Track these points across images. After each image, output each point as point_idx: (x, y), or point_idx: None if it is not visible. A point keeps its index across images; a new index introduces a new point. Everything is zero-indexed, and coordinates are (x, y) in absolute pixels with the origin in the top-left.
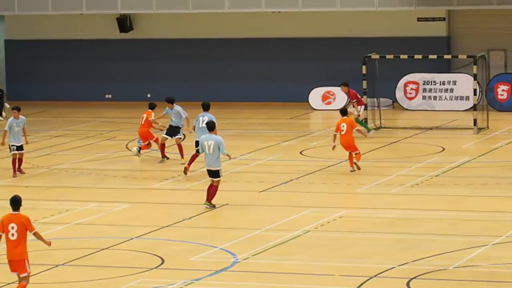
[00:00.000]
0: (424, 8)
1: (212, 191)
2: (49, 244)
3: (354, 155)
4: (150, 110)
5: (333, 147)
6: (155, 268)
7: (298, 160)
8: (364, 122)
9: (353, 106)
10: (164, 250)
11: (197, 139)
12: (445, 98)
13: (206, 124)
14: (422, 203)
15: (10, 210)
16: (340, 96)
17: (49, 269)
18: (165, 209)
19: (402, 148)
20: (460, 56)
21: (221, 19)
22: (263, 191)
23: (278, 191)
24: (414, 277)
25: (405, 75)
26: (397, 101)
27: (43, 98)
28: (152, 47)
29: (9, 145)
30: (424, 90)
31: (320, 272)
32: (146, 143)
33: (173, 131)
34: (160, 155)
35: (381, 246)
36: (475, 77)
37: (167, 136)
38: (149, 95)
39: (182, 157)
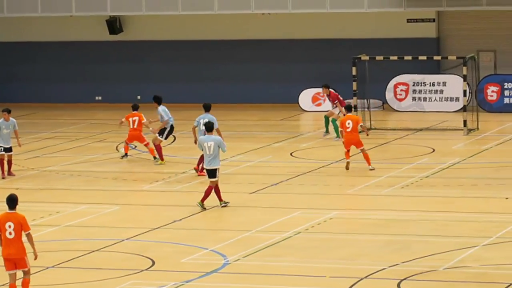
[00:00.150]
0: (413, 9)
1: (208, 192)
2: (35, 257)
3: (362, 153)
4: (136, 112)
5: (343, 142)
6: (146, 270)
7: (289, 161)
8: (337, 125)
9: (336, 106)
10: (154, 252)
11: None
12: (435, 99)
13: (205, 125)
14: (412, 204)
15: (6, 210)
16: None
17: (40, 271)
18: (155, 211)
19: (392, 149)
20: (450, 57)
21: (211, 21)
22: (254, 192)
23: (268, 192)
24: (405, 278)
25: (395, 76)
26: (387, 103)
27: (32, 100)
28: (142, 49)
29: None
30: (414, 91)
31: (311, 274)
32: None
33: (160, 131)
34: (157, 157)
35: (372, 247)
36: (465, 78)
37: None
38: (139, 97)
39: (159, 158)
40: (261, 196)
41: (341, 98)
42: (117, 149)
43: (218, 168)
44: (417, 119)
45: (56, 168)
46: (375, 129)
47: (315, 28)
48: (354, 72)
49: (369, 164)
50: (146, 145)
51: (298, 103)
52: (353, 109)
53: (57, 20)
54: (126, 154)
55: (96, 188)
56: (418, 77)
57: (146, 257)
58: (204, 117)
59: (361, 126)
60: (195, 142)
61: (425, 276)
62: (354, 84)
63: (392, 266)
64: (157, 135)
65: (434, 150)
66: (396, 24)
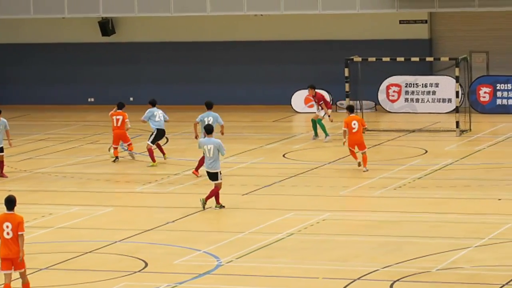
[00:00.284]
0: (406, 11)
1: (213, 192)
2: (21, 257)
3: (361, 155)
4: (121, 111)
5: (344, 143)
6: (138, 271)
7: (281, 163)
8: (323, 125)
9: (321, 108)
10: (147, 254)
11: None
12: (428, 100)
13: (204, 127)
14: (405, 206)
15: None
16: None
17: (32, 273)
18: (148, 213)
19: (384, 150)
20: (442, 59)
21: (203, 22)
22: (246, 194)
23: (261, 194)
24: (398, 280)
25: (387, 77)
26: (379, 104)
27: (25, 102)
28: (134, 51)
29: None
30: (407, 92)
31: (303, 275)
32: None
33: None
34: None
35: (365, 248)
36: (457, 79)
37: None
38: (131, 99)
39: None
40: (254, 198)
41: (328, 100)
42: (109, 150)
43: (220, 171)
44: (409, 120)
45: (48, 170)
46: (367, 130)
47: (308, 30)
48: (346, 73)
49: (365, 165)
50: (129, 145)
51: (290, 104)
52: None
53: (50, 21)
54: (117, 157)
55: (88, 190)
56: (410, 78)
57: (139, 258)
58: (207, 115)
59: (365, 129)
60: (196, 137)
61: (418, 277)
62: (347, 85)
63: (385, 267)
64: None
65: (426, 151)
66: (389, 25)
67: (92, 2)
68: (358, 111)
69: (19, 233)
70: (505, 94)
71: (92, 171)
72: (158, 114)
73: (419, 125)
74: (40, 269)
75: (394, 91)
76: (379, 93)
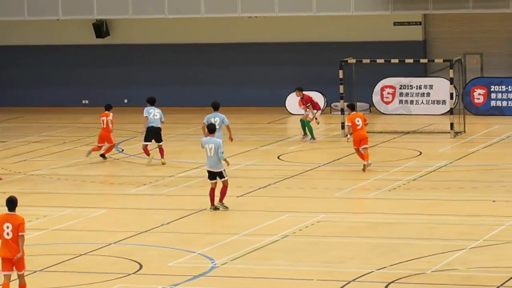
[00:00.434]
0: (400, 13)
1: (222, 190)
2: (19, 256)
3: (362, 150)
4: (107, 112)
5: (348, 139)
6: (133, 273)
7: (276, 164)
8: (310, 127)
9: (308, 109)
10: (142, 256)
11: None
12: (422, 102)
13: (207, 126)
14: (399, 207)
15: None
16: (317, 101)
17: (27, 275)
18: (143, 215)
19: (379, 152)
20: (436, 60)
21: (197, 24)
22: (241, 196)
23: (256, 196)
24: (392, 281)
25: (381, 79)
26: (374, 106)
27: (19, 104)
28: (128, 53)
29: None
30: (401, 94)
31: (298, 277)
32: (103, 145)
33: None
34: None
35: (359, 250)
36: (451, 81)
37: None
38: (126, 101)
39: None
40: (249, 200)
41: (316, 101)
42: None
43: (224, 170)
44: (404, 122)
45: (43, 172)
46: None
47: (302, 31)
48: (341, 75)
49: (367, 160)
50: (111, 146)
51: (285, 106)
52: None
53: (44, 23)
54: (103, 155)
55: (83, 192)
56: (405, 80)
57: (134, 260)
58: (214, 116)
59: (366, 124)
60: None
61: (413, 279)
62: (341, 87)
63: (380, 269)
64: None
65: (421, 153)
66: (383, 27)
67: (87, 4)
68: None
69: (20, 233)
70: (499, 95)
71: (87, 173)
72: (154, 112)
73: (413, 126)
74: (35, 271)
75: (388, 93)
76: (373, 95)
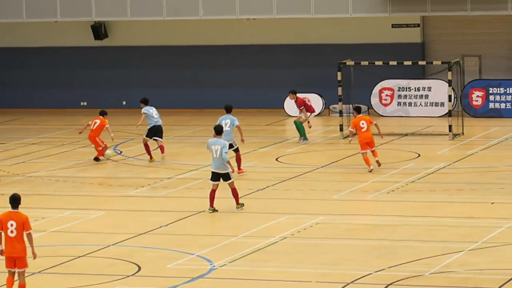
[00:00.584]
0: (398, 15)
1: (233, 193)
2: (34, 256)
3: (371, 152)
4: (101, 116)
5: (350, 141)
6: (132, 275)
7: (274, 166)
8: (303, 128)
9: (301, 112)
10: (140, 257)
11: None
12: (420, 104)
13: (214, 128)
14: (398, 209)
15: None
16: (315, 103)
17: (26, 277)
18: (141, 216)
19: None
20: (434, 62)
21: (196, 26)
22: (240, 197)
23: (254, 198)
24: (391, 283)
25: (380, 81)
26: (372, 108)
27: (17, 106)
28: (127, 55)
29: None
30: (399, 96)
31: (297, 279)
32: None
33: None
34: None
35: (358, 252)
36: (450, 83)
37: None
38: (124, 103)
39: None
40: (247, 202)
41: (309, 104)
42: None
43: (230, 171)
44: (402, 124)
45: (41, 174)
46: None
47: (300, 33)
48: (339, 77)
49: (376, 156)
50: (100, 148)
51: (283, 108)
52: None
53: (42, 25)
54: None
55: (81, 194)
56: (403, 82)
57: (132, 262)
58: (225, 118)
59: (375, 125)
60: None
61: (411, 281)
62: (339, 89)
63: (378, 271)
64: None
65: (419, 155)
66: (381, 29)
67: (85, 6)
68: (351, 115)
69: (27, 232)
70: (497, 98)
71: (85, 175)
72: (153, 112)
73: (412, 129)
74: (33, 273)
75: (386, 95)
76: (371, 97)
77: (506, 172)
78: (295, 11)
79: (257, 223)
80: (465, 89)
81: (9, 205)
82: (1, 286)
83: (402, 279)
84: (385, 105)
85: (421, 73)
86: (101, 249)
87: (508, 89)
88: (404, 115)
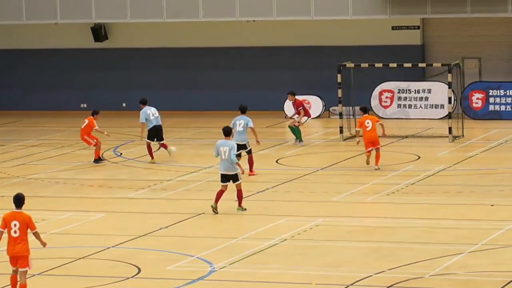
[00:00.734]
0: (398, 17)
1: (238, 195)
2: (44, 245)
3: (375, 152)
4: (91, 116)
5: (358, 142)
6: (132, 277)
7: (274, 168)
8: (299, 131)
9: (300, 113)
10: (140, 259)
11: (235, 143)
12: (420, 106)
13: (223, 129)
14: (398, 211)
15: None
16: (315, 105)
17: (26, 278)
18: (141, 218)
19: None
20: (434, 65)
21: (196, 28)
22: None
23: (254, 199)
24: (391, 286)
25: (380, 83)
26: (372, 110)
27: (17, 107)
28: (126, 56)
29: None
30: (399, 98)
31: (297, 281)
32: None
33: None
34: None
35: (358, 254)
36: (449, 85)
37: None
38: (124, 104)
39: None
40: (247, 203)
41: (307, 108)
42: (102, 156)
43: (238, 172)
44: (402, 126)
45: (41, 176)
46: (360, 136)
47: (300, 35)
48: (339, 79)
49: (377, 164)
50: (95, 148)
51: (283, 110)
52: (368, 111)
53: (42, 27)
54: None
55: (81, 196)
56: (403, 84)
57: (132, 264)
58: (240, 119)
59: (381, 124)
60: None
61: (411, 283)
62: (339, 91)
63: (378, 273)
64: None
65: (419, 157)
66: (381, 31)
67: (85, 8)
68: (351, 116)
69: (33, 231)
70: (497, 100)
71: (85, 176)
72: (151, 112)
73: (411, 131)
74: (33, 275)
75: (386, 97)
76: (371, 99)
77: (506, 174)
78: (295, 13)
79: (257, 225)
80: (465, 91)
81: (9, 207)
82: (4, 286)
83: (402, 281)
84: (385, 107)
85: (421, 75)
86: (101, 251)
87: (508, 91)
88: (404, 117)
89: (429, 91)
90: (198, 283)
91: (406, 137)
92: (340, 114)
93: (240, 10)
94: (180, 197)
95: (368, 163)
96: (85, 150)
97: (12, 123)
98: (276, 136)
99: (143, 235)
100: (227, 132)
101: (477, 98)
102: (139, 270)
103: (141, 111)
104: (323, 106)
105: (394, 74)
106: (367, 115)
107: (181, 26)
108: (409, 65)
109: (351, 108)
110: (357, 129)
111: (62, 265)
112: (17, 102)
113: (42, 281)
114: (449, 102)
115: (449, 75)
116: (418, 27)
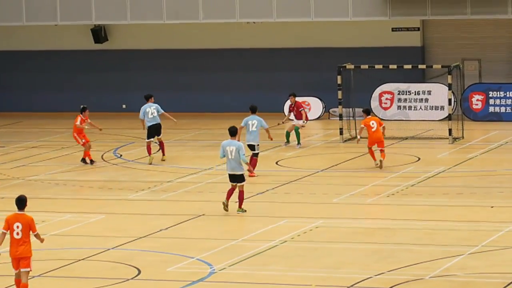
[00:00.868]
0: (398, 18)
1: (240, 196)
2: (42, 240)
3: (379, 151)
4: (81, 113)
5: (358, 141)
6: (132, 279)
7: (274, 170)
8: (298, 132)
9: (295, 115)
10: (140, 261)
11: (247, 143)
12: (420, 108)
13: (228, 129)
14: (397, 213)
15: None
16: (315, 107)
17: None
18: (141, 220)
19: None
20: (434, 66)
21: (196, 29)
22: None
23: (254, 201)
24: (391, 287)
25: (380, 85)
26: (372, 111)
27: (18, 109)
28: (127, 58)
29: None
30: (399, 100)
31: (296, 282)
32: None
33: None
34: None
35: (358, 256)
36: (449, 87)
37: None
38: (124, 106)
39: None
40: (247, 205)
41: (306, 112)
42: (88, 160)
43: (244, 173)
44: (402, 127)
45: (41, 177)
46: (360, 137)
47: (300, 37)
48: (339, 81)
49: (375, 159)
50: (85, 146)
51: (283, 111)
52: (371, 112)
53: (42, 29)
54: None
55: (81, 197)
56: (403, 86)
57: (132, 266)
58: (252, 119)
59: (383, 127)
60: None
61: (411, 285)
62: (339, 92)
63: (378, 274)
64: None
65: (419, 159)
66: (381, 33)
67: (85, 9)
68: (351, 118)
69: (34, 233)
70: (497, 101)
71: (85, 178)
72: (150, 110)
73: (411, 132)
74: (33, 277)
75: (386, 99)
76: (371, 101)
77: (506, 176)
78: (295, 14)
79: (257, 226)
80: (465, 92)
81: (8, 208)
82: (9, 287)
83: (402, 283)
84: (385, 108)
85: (421, 77)
86: (101, 252)
87: (508, 93)
88: (404, 118)
89: (429, 92)
90: (198, 284)
91: (406, 138)
92: (340, 116)
93: (240, 11)
94: (180, 199)
95: (377, 165)
96: None
97: (12, 125)
98: (276, 138)
99: (143, 237)
100: (233, 132)
101: (477, 100)
102: (139, 272)
103: (141, 108)
104: (323, 108)
105: (394, 75)
106: (370, 116)
107: (181, 27)
108: (409, 66)
109: (351, 109)
110: (361, 125)
111: (62, 266)
112: (17, 103)
113: (42, 283)
114: (449, 103)
115: (449, 76)
116: (418, 29)
